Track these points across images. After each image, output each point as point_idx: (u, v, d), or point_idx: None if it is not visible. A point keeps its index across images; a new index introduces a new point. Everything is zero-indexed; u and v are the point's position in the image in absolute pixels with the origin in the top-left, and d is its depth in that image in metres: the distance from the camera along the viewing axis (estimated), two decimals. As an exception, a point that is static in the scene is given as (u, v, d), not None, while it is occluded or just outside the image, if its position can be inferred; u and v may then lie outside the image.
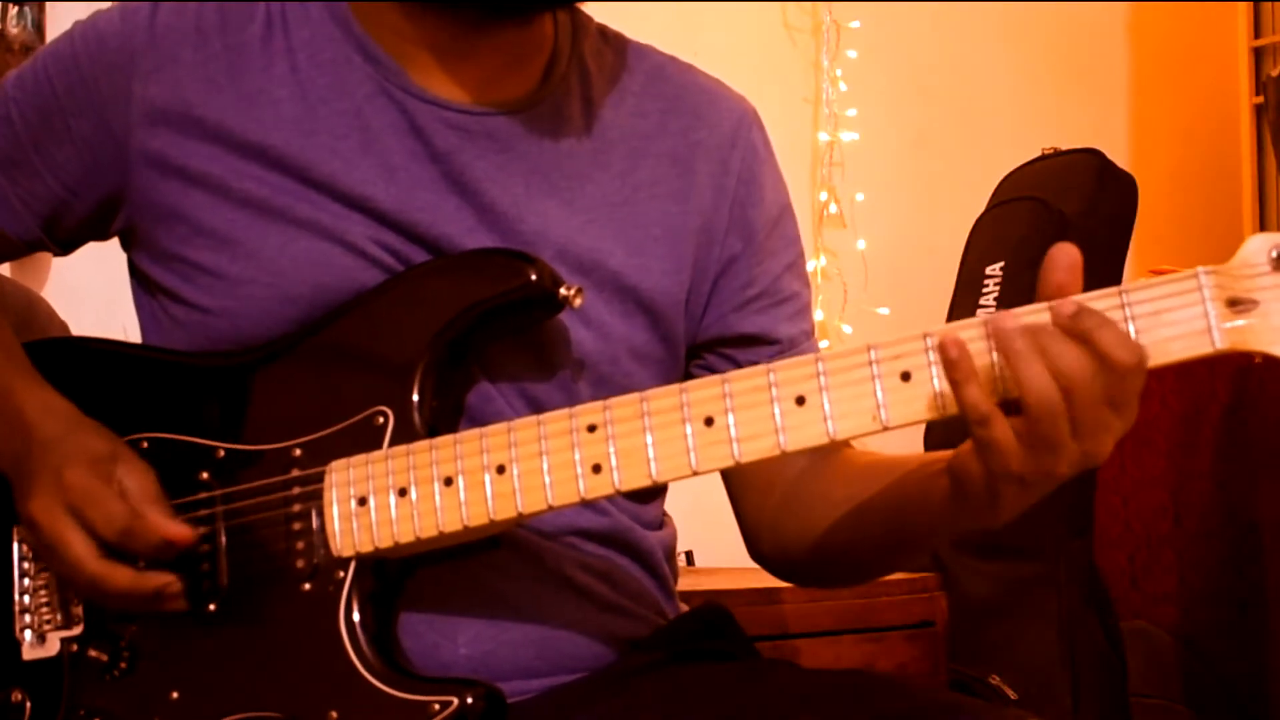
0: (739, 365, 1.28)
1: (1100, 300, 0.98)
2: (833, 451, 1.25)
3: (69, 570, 1.17)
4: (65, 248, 1.33)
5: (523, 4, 1.21)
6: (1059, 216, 2.78)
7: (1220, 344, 0.96)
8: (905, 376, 1.01)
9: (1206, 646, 2.97)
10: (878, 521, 1.18)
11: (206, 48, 1.23)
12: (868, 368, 1.01)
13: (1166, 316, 0.97)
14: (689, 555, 2.77)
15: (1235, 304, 0.96)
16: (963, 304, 2.88)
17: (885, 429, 1.02)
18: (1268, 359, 0.97)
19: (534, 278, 1.15)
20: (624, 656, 1.25)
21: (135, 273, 1.30)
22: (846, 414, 1.02)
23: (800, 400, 1.03)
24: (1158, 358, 0.98)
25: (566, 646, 1.22)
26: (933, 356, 1.00)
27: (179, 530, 1.16)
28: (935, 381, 1.00)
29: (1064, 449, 0.99)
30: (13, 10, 2.58)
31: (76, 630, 1.22)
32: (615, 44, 1.34)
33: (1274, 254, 0.95)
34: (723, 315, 1.31)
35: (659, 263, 1.27)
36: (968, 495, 1.05)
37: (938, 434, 2.79)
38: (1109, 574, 2.91)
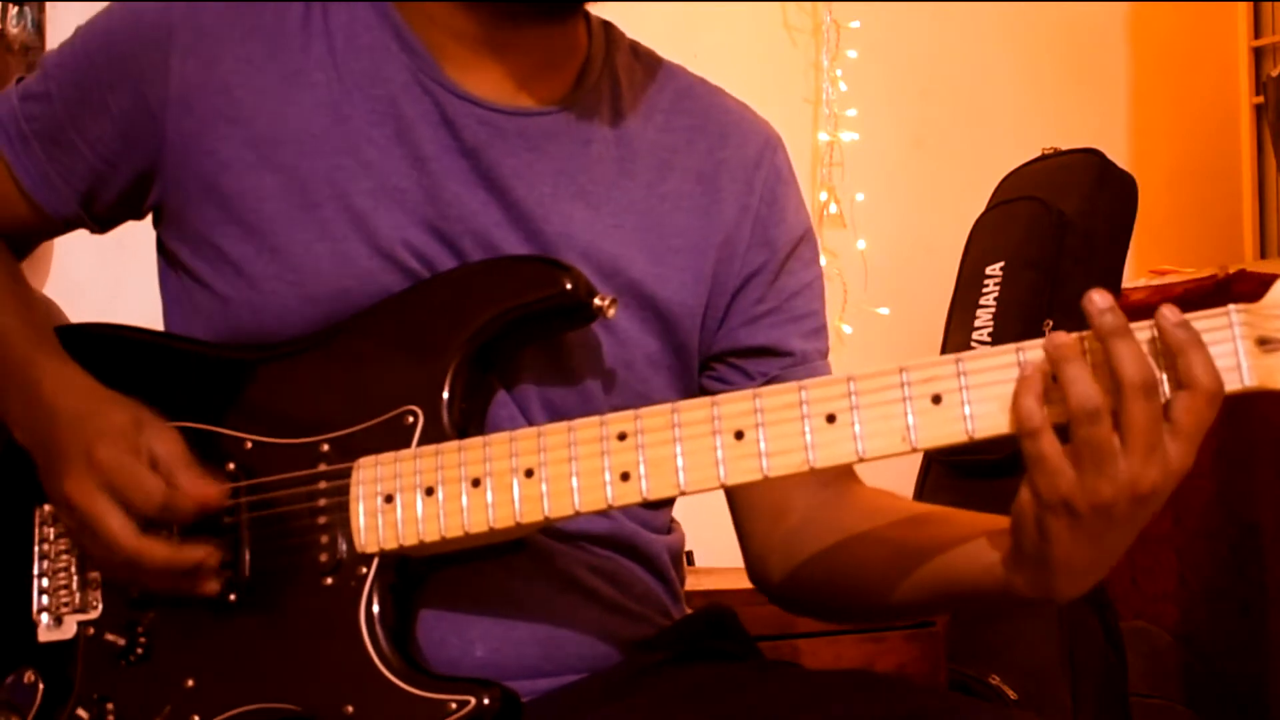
0: (749, 376, 1.30)
1: (1135, 332, 0.99)
2: (847, 483, 1.27)
3: (106, 549, 1.16)
4: (103, 225, 1.33)
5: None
6: (1059, 216, 2.79)
7: (1249, 381, 0.97)
8: (936, 399, 1.01)
9: (1206, 646, 2.97)
10: (917, 566, 1.18)
11: (244, 25, 1.23)
12: (899, 389, 1.02)
13: None
14: (689, 555, 2.77)
15: (1265, 343, 0.97)
16: (963, 304, 2.88)
17: (914, 450, 1.03)
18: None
19: (569, 287, 1.15)
20: (629, 657, 1.25)
21: (163, 250, 1.30)
22: (877, 434, 1.02)
23: (831, 418, 1.03)
24: None
25: (572, 647, 1.23)
26: (964, 381, 1.01)
27: (211, 491, 1.16)
28: (966, 406, 1.01)
29: (1111, 463, 0.99)
30: (13, 10, 2.57)
31: (94, 614, 1.22)
32: (646, 61, 1.35)
33: None
34: (733, 329, 1.31)
35: (678, 274, 1.27)
36: (1021, 543, 1.06)
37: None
38: (1109, 574, 2.90)
